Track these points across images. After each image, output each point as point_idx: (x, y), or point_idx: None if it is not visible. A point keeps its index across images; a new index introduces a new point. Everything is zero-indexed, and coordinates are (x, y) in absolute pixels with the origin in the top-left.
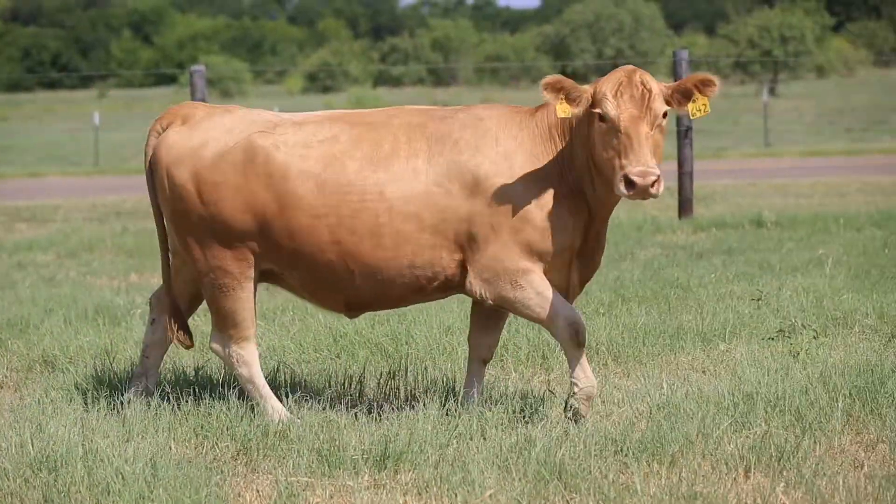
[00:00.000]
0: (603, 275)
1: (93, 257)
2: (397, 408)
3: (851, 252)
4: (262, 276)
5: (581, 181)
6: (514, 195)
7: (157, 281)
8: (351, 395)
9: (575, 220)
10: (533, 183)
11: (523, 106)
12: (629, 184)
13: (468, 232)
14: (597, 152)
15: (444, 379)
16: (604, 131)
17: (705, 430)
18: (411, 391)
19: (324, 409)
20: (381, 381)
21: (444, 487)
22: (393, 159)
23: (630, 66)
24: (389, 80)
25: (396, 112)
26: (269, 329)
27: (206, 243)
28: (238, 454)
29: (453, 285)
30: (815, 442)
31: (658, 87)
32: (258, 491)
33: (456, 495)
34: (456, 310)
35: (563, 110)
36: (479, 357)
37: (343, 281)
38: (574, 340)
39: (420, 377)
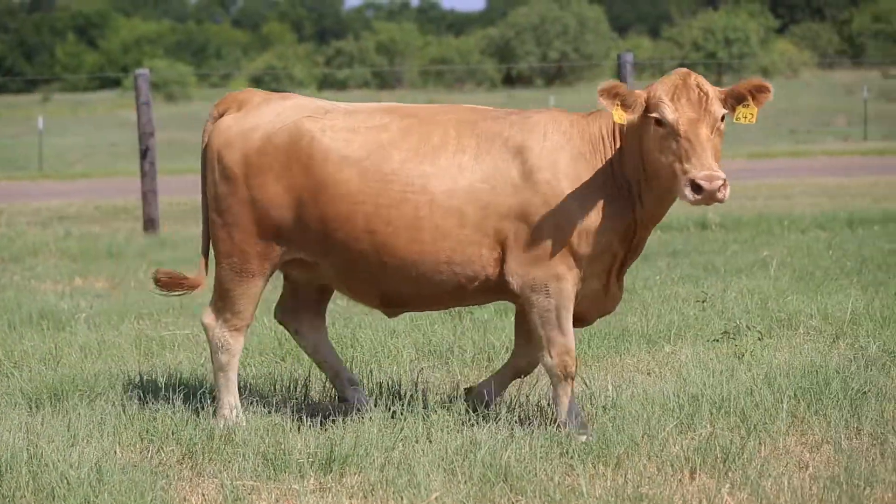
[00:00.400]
0: None
1: (37, 262)
2: (343, 411)
3: (796, 254)
4: (292, 267)
5: (629, 189)
6: (560, 193)
7: (101, 285)
8: (297, 399)
9: (617, 225)
10: (579, 182)
11: (576, 112)
12: (696, 188)
13: (510, 228)
14: (653, 158)
15: (390, 382)
16: (662, 136)
17: (651, 431)
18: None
19: (269, 412)
20: (327, 385)
21: (389, 490)
22: (440, 153)
23: (684, 69)
24: (334, 83)
25: (450, 108)
26: None
27: (241, 227)
28: (184, 458)
29: (493, 287)
30: (760, 443)
31: (714, 90)
32: (204, 495)
33: (402, 498)
34: None
35: (620, 116)
36: (521, 365)
37: (376, 273)
38: (562, 371)
39: (366, 380)
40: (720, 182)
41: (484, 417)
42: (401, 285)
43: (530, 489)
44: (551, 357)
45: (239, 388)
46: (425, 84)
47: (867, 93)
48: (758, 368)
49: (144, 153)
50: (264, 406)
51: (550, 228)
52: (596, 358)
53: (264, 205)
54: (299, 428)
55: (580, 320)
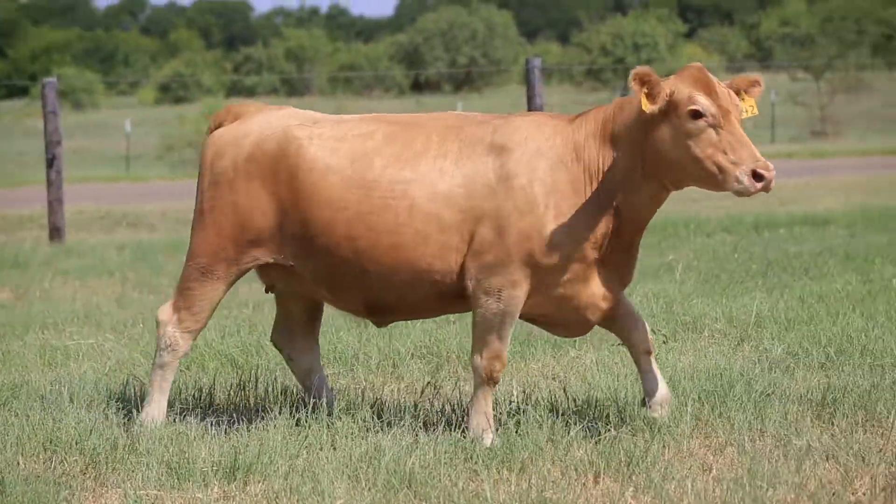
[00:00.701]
0: None
1: None
2: (247, 419)
3: (702, 257)
4: (270, 273)
5: (614, 190)
6: (533, 201)
7: (5, 295)
8: (201, 407)
9: (593, 233)
10: (555, 190)
11: (563, 114)
12: (758, 177)
13: (480, 231)
14: (683, 152)
15: (295, 389)
16: (701, 129)
17: (555, 436)
18: (261, 402)
19: (173, 421)
20: (231, 393)
21: (294, 498)
22: (421, 159)
23: (697, 64)
24: (243, 90)
25: (436, 115)
26: (119, 342)
27: (220, 230)
28: (87, 468)
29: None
30: (664, 446)
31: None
32: None
33: None
34: None
35: (647, 105)
36: (641, 350)
37: (359, 280)
38: (487, 375)
39: (270, 388)
40: (774, 170)
41: (388, 424)
42: (384, 292)
43: (434, 495)
44: (481, 358)
45: (143, 398)
46: (334, 91)
47: (775, 96)
48: (662, 372)
49: (51, 162)
50: (168, 415)
51: (517, 235)
52: None
53: (248, 210)
54: (203, 436)
55: (563, 328)
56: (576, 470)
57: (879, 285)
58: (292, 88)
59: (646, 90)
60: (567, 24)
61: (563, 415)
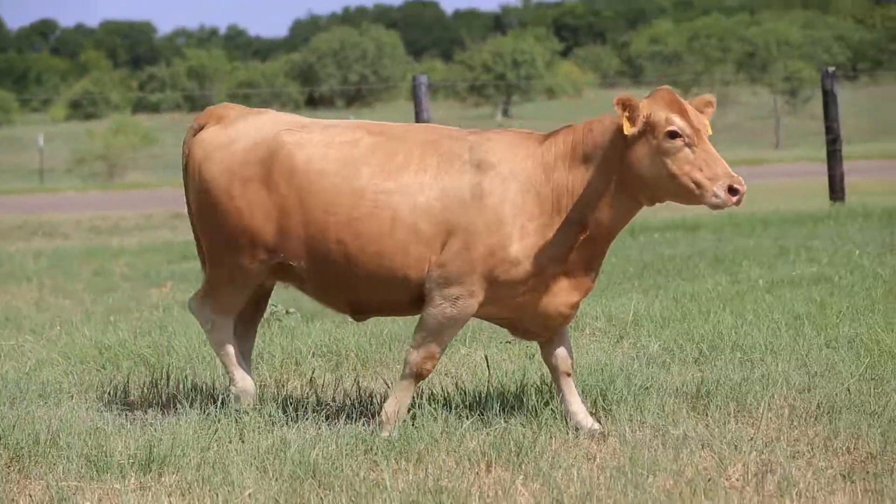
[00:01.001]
0: None
1: None
2: (160, 414)
3: None
4: (278, 275)
5: (584, 208)
6: (502, 220)
7: None
8: (117, 404)
9: (556, 250)
10: (522, 212)
11: (535, 132)
12: (733, 192)
13: (449, 241)
14: (662, 170)
15: (204, 386)
16: (677, 148)
17: (449, 428)
18: (173, 399)
19: (91, 417)
20: (145, 390)
21: (206, 488)
22: (403, 171)
23: (666, 87)
24: (148, 106)
25: (417, 128)
26: (38, 343)
27: (228, 237)
28: (11, 462)
29: None
30: (550, 437)
31: None
32: (31, 496)
33: (217, 495)
34: None
35: (628, 128)
36: (562, 371)
37: (347, 282)
38: (416, 371)
39: (181, 385)
40: (745, 185)
41: (293, 418)
42: (368, 295)
43: (337, 484)
44: (416, 354)
45: (60, 396)
46: None
47: None
48: (547, 367)
49: None
50: (86, 411)
51: (483, 250)
52: (397, 361)
53: (248, 214)
54: (119, 431)
55: (522, 332)
56: (469, 460)
57: (747, 285)
58: (194, 104)
59: (626, 114)
60: (451, 43)
61: (456, 408)
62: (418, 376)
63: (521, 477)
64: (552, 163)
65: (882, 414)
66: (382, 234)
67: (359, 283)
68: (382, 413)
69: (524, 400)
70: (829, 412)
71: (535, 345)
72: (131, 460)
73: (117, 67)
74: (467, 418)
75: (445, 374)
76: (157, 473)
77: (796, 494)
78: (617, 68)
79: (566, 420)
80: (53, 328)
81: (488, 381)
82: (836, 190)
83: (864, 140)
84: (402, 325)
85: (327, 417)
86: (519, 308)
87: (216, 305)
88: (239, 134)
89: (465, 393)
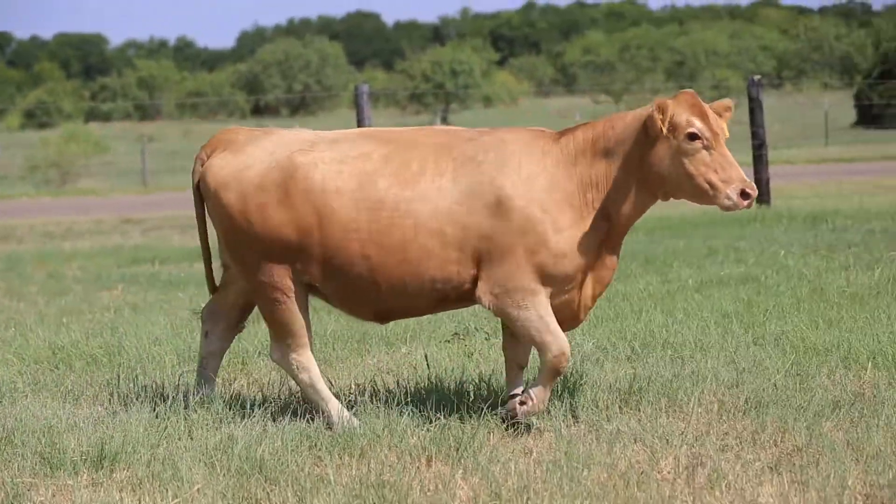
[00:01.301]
0: None
1: None
2: (112, 412)
3: None
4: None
5: (607, 201)
6: (533, 219)
7: None
8: (70, 403)
9: (591, 242)
10: (552, 207)
11: (547, 130)
12: (745, 196)
13: (486, 248)
14: (680, 169)
15: (154, 385)
16: (696, 149)
17: (391, 424)
18: (124, 397)
19: (45, 415)
20: (97, 389)
21: (156, 484)
22: (420, 178)
23: (689, 91)
24: (100, 115)
25: (425, 132)
26: None
27: (256, 260)
28: None
29: (472, 297)
30: (489, 432)
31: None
32: None
33: (167, 491)
34: (162, 322)
35: (662, 130)
36: (517, 363)
37: (372, 293)
38: (556, 370)
39: (132, 384)
40: (756, 190)
41: (239, 415)
42: (393, 302)
43: (283, 479)
44: (549, 359)
45: (15, 396)
46: (182, 115)
47: (579, 117)
48: (486, 365)
49: None
50: (40, 410)
51: (525, 252)
52: (340, 359)
53: (270, 235)
54: (72, 429)
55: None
56: (410, 455)
57: (677, 285)
58: (144, 113)
59: (661, 116)
60: (391, 54)
61: (397, 405)
62: (558, 373)
63: (461, 471)
64: (573, 158)
65: (807, 408)
66: (407, 242)
67: (384, 292)
68: (527, 407)
69: (463, 396)
70: (756, 407)
71: (473, 344)
72: (84, 457)
73: (70, 78)
74: (408, 414)
75: (387, 372)
76: (108, 470)
77: (725, 486)
78: (551, 77)
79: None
80: (8, 329)
81: (428, 379)
82: (762, 193)
83: (789, 145)
84: (345, 325)
85: (273, 415)
86: (561, 305)
87: (290, 342)
88: (251, 159)
89: (406, 390)
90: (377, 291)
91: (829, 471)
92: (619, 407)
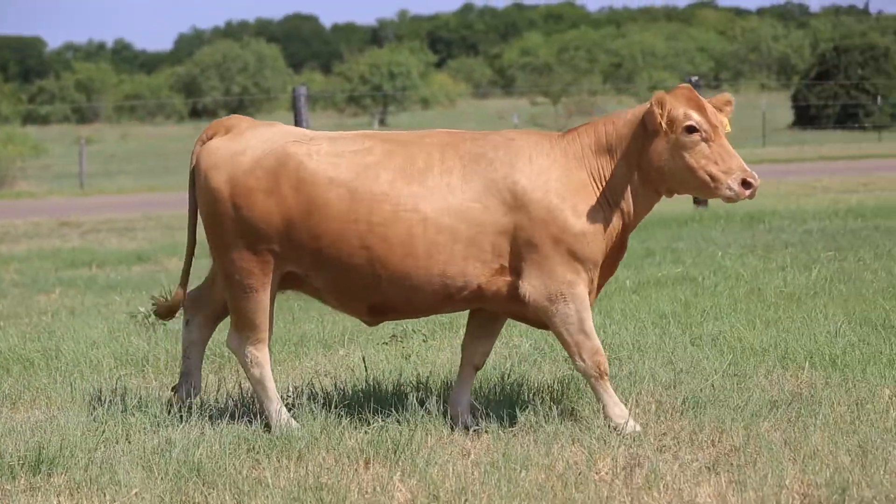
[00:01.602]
0: None
1: None
2: (50, 417)
3: None
4: (284, 281)
5: (615, 194)
6: (552, 208)
7: None
8: (7, 407)
9: (609, 229)
10: (569, 195)
11: (551, 132)
12: (746, 185)
13: (511, 245)
14: (680, 163)
15: (92, 389)
16: (695, 142)
17: (329, 427)
18: (62, 401)
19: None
20: (35, 393)
21: (93, 488)
22: (427, 174)
23: (687, 85)
24: (38, 118)
25: (428, 133)
26: None
27: (237, 245)
28: None
29: (479, 296)
30: (427, 434)
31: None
32: None
33: (105, 494)
34: (100, 326)
35: (662, 124)
36: (472, 364)
37: (369, 286)
38: (598, 371)
39: (70, 388)
40: (759, 180)
41: (178, 419)
42: (392, 296)
43: (221, 482)
44: (584, 361)
45: None
46: (120, 118)
47: (517, 119)
48: (423, 368)
49: None
50: None
51: (551, 242)
52: (278, 362)
53: (255, 222)
54: (10, 433)
55: None
56: (348, 457)
57: (615, 286)
58: (82, 116)
59: (660, 111)
60: (329, 56)
61: (335, 408)
62: (602, 374)
63: (399, 473)
64: (580, 152)
65: (745, 408)
66: (414, 236)
67: (385, 285)
68: (611, 423)
69: (401, 399)
70: (694, 407)
71: (411, 346)
72: (21, 462)
73: (8, 81)
74: (346, 417)
75: (325, 375)
76: (46, 474)
77: (663, 487)
78: (489, 79)
79: (449, 404)
80: None
81: (366, 381)
82: None
83: None
84: (283, 328)
85: (211, 418)
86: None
87: (249, 333)
88: (247, 144)
89: (343, 393)
90: (376, 284)
91: (766, 470)
92: (557, 408)
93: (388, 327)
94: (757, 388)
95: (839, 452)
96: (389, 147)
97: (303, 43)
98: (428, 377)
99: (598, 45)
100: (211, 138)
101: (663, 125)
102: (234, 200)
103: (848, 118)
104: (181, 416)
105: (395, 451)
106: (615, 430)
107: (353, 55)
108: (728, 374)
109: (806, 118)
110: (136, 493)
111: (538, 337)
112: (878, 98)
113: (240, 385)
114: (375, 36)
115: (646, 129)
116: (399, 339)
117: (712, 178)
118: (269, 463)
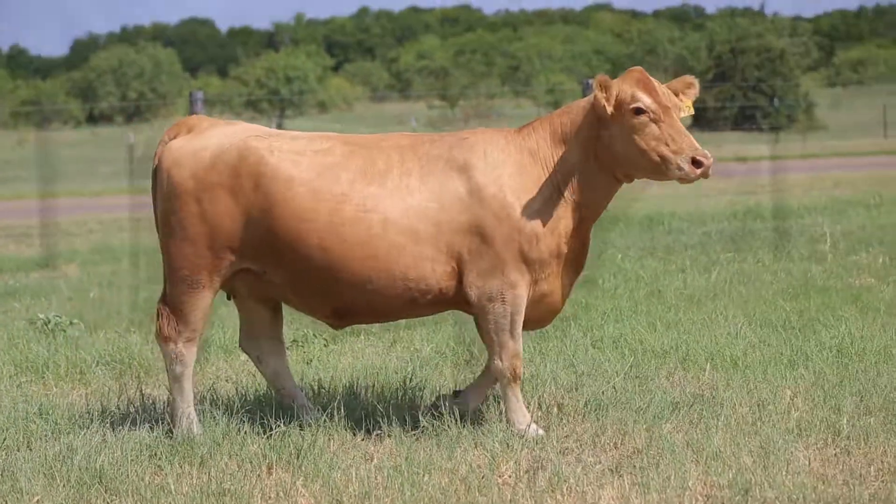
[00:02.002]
0: (135, 296)
1: None
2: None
3: None
4: (235, 281)
5: (571, 192)
6: (506, 205)
7: None
8: None
9: (562, 227)
10: (523, 193)
11: (507, 129)
12: (697, 164)
13: (463, 242)
14: (631, 146)
15: None
16: (644, 123)
17: (231, 432)
18: None
19: None
20: None
21: None
22: (387, 175)
23: (638, 68)
24: None
25: (387, 136)
26: None
27: (191, 240)
28: None
29: (444, 300)
30: (329, 439)
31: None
32: None
33: (6, 502)
34: (0, 333)
35: (607, 107)
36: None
37: (330, 287)
38: (513, 374)
39: None
40: (711, 158)
41: (80, 426)
42: (355, 298)
43: (124, 489)
44: (502, 361)
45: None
46: (16, 124)
47: (415, 122)
48: (324, 372)
49: None
50: None
51: (502, 239)
52: None
53: (214, 219)
54: None
55: (536, 322)
56: (251, 463)
57: None
58: None
59: (605, 94)
60: (226, 60)
61: (237, 413)
62: (515, 378)
63: (302, 478)
64: (535, 147)
65: (647, 410)
66: (373, 237)
67: (346, 287)
68: (516, 430)
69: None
70: (596, 410)
71: (312, 351)
72: None
73: None
74: (248, 423)
75: (226, 380)
76: None
77: (566, 489)
78: (386, 82)
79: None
80: None
81: (268, 387)
82: None
83: None
84: None
85: (112, 424)
86: (541, 297)
87: (182, 329)
88: (208, 141)
89: (245, 398)
90: (336, 285)
91: (669, 472)
92: (459, 411)
93: (288, 332)
94: (658, 390)
95: (741, 453)
96: (350, 148)
97: (199, 47)
98: (329, 381)
99: (495, 48)
100: (173, 138)
101: (608, 108)
102: (196, 195)
103: (745, 120)
104: (83, 423)
105: (298, 456)
106: (518, 435)
107: (250, 59)
108: (629, 376)
109: (703, 120)
110: (37, 501)
111: (440, 341)
112: (775, 100)
113: (140, 391)
114: (272, 40)
115: (598, 116)
116: (300, 343)
117: (663, 158)
118: (172, 469)
